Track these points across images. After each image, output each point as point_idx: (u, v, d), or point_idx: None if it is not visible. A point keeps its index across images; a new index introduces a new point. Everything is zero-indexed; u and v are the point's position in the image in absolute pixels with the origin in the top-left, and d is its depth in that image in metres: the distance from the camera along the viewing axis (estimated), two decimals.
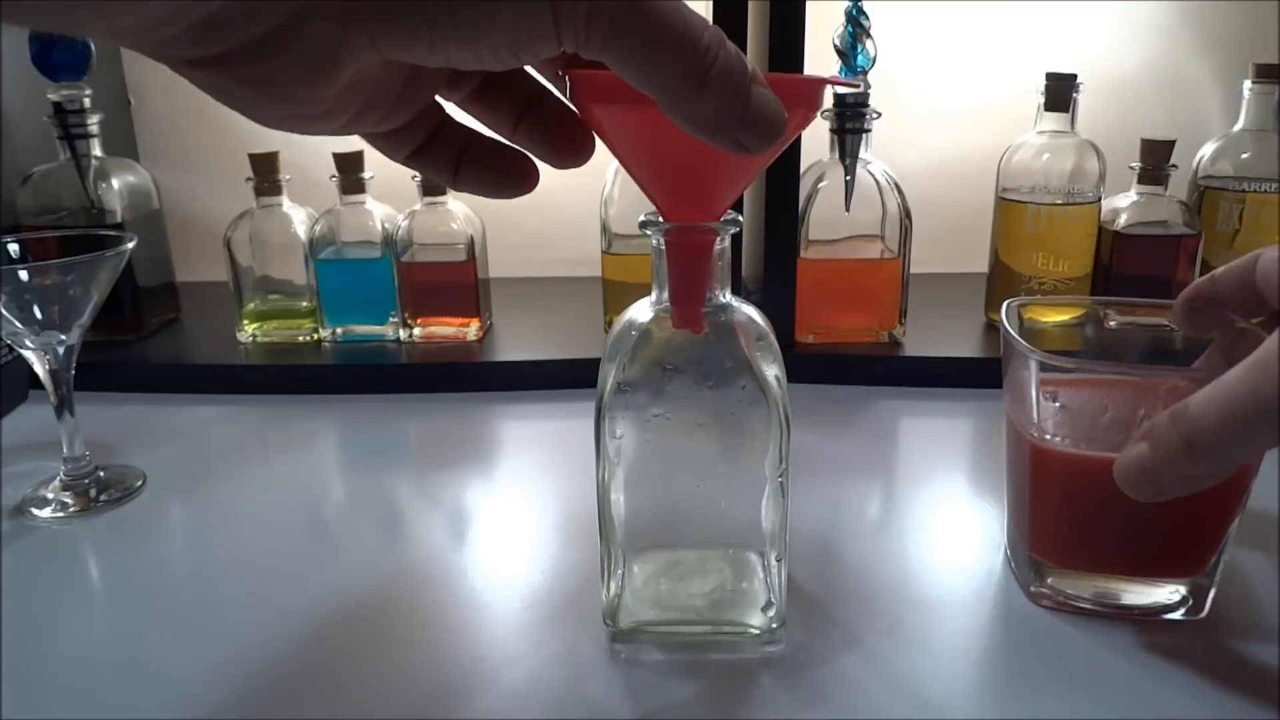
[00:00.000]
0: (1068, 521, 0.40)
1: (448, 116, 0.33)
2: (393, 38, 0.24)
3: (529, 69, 0.32)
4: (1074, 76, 0.68)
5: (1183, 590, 0.40)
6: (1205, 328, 0.40)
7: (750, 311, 0.37)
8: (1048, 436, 0.39)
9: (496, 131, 0.33)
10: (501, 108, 0.33)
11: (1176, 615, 0.40)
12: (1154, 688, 0.36)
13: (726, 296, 0.36)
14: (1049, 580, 0.41)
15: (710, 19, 0.65)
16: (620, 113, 0.30)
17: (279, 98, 0.26)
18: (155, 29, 0.23)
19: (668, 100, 0.25)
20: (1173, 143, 0.67)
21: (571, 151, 0.33)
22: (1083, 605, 0.40)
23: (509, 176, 0.33)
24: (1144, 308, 0.46)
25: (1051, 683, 0.37)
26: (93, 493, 0.52)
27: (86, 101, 0.69)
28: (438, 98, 0.32)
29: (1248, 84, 0.69)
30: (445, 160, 0.33)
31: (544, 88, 0.33)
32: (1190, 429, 0.31)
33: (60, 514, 0.51)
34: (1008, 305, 0.42)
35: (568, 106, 0.32)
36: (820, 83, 0.32)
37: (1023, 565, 0.42)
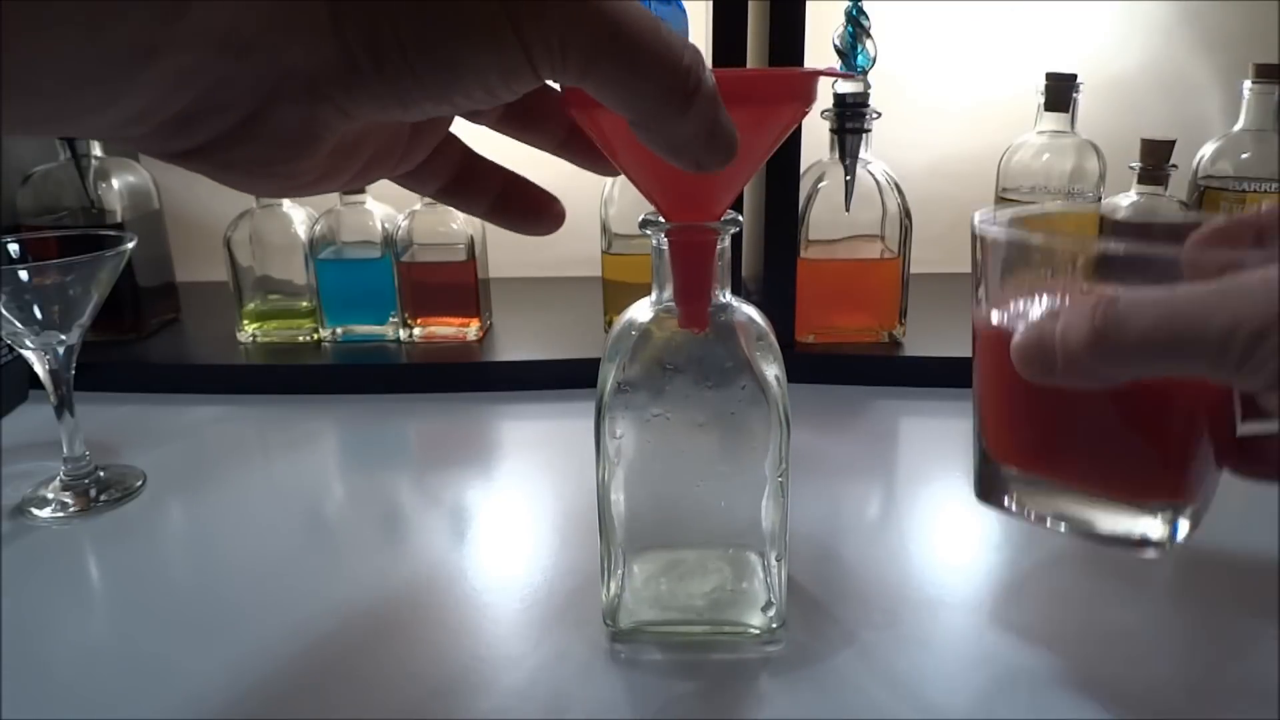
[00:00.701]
0: (1021, 414, 0.37)
1: (474, 154, 0.34)
2: (362, 107, 0.24)
3: None
4: (1074, 76, 0.68)
5: (1155, 520, 0.35)
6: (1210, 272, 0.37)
7: (750, 311, 0.37)
8: (993, 317, 0.36)
9: (544, 149, 0.34)
10: (548, 127, 0.33)
11: (1149, 552, 0.36)
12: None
13: (726, 296, 0.36)
14: (1014, 492, 0.38)
15: (710, 19, 0.65)
16: (614, 118, 0.29)
17: (266, 176, 0.26)
18: (125, 128, 0.23)
19: (647, 123, 0.25)
20: (1173, 143, 0.67)
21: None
22: (1050, 514, 0.37)
23: (539, 220, 0.34)
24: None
25: (1051, 682, 0.37)
26: (93, 493, 0.52)
27: None
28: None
29: (1248, 84, 0.69)
30: (478, 196, 0.34)
31: None
32: (1107, 323, 0.28)
33: (60, 514, 0.51)
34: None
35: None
36: (814, 75, 0.32)
37: (986, 473, 0.39)
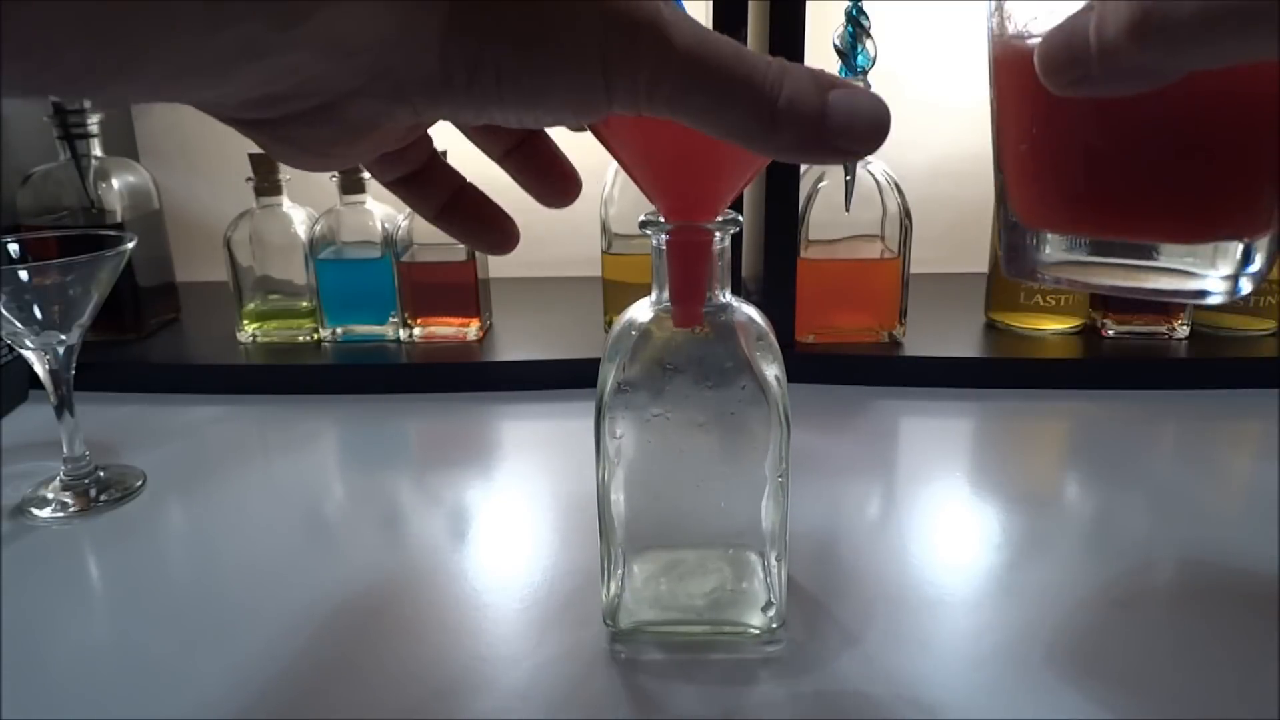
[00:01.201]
0: (1054, 160, 0.31)
1: (438, 157, 0.34)
2: (439, 112, 0.25)
3: None
4: None
5: (1219, 265, 0.29)
6: None
7: (750, 311, 0.37)
8: (1010, 25, 0.30)
9: (489, 156, 0.34)
10: (492, 137, 0.33)
11: (1215, 296, 0.29)
12: None
13: (726, 296, 0.36)
14: (1051, 258, 0.32)
15: (710, 19, 0.65)
16: (619, 120, 0.30)
17: (319, 155, 0.26)
18: (209, 105, 0.24)
19: (747, 144, 0.25)
20: None
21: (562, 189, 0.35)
22: (1094, 280, 0.31)
23: (489, 234, 0.34)
24: None
25: (1051, 682, 0.37)
26: (93, 493, 0.52)
27: (86, 101, 0.69)
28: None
29: None
30: (430, 196, 0.34)
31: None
32: (1151, 5, 0.23)
33: (60, 514, 0.51)
34: None
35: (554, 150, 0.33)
36: None
37: (1015, 243, 0.33)
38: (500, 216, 0.35)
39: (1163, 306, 0.69)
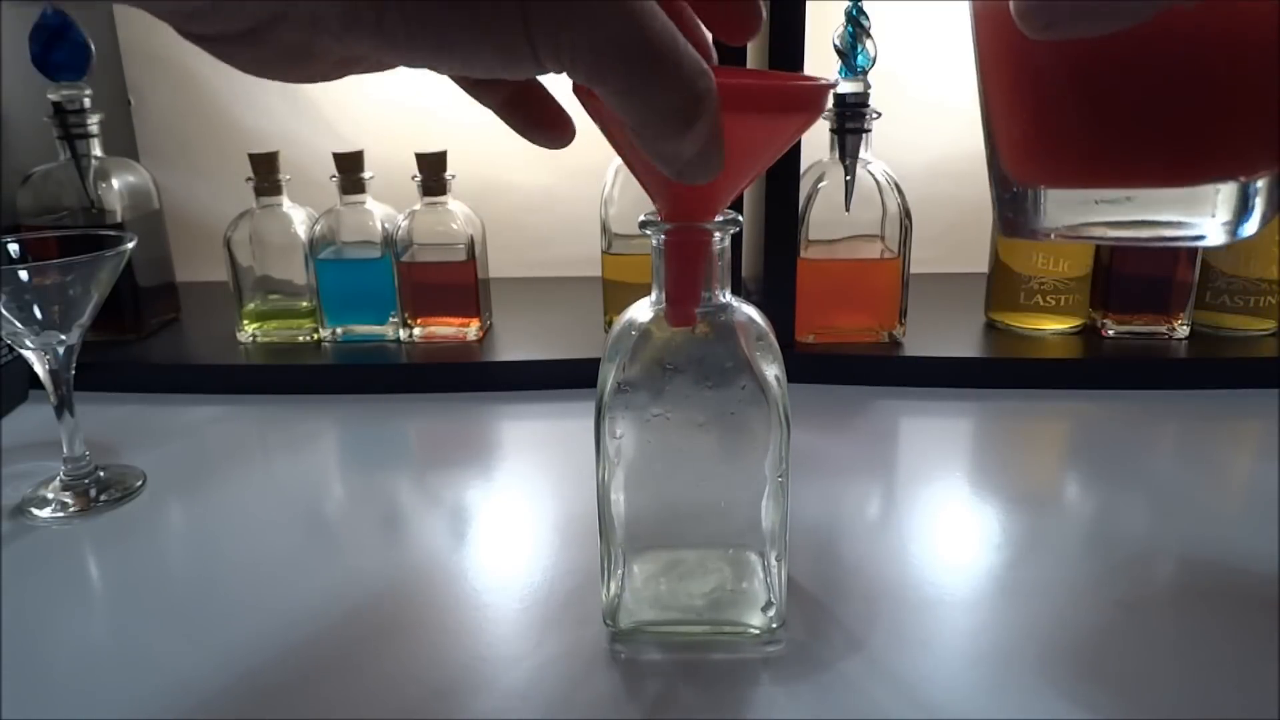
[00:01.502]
0: (1043, 113, 0.30)
1: None
2: (359, 45, 0.25)
3: None
4: None
5: (1218, 209, 0.28)
6: None
7: (750, 311, 0.37)
8: None
9: (486, 105, 0.33)
10: (489, 86, 0.33)
11: (1214, 239, 0.28)
12: None
13: (726, 296, 0.36)
14: (1048, 214, 0.31)
15: None
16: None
17: (270, 74, 0.28)
18: (154, 7, 0.26)
19: (646, 135, 0.25)
20: None
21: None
22: (1092, 232, 0.30)
23: (547, 128, 0.33)
24: None
25: (1050, 683, 0.37)
26: (93, 493, 0.52)
27: (86, 101, 0.69)
28: None
29: None
30: (497, 92, 0.33)
31: None
32: None
33: (60, 514, 0.51)
34: None
35: None
36: (825, 89, 0.32)
37: (1010, 203, 0.32)
38: (560, 115, 0.34)
39: (1163, 306, 0.69)
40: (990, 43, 0.31)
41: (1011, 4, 0.25)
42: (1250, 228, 0.28)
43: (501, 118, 0.33)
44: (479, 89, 0.33)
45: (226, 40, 0.26)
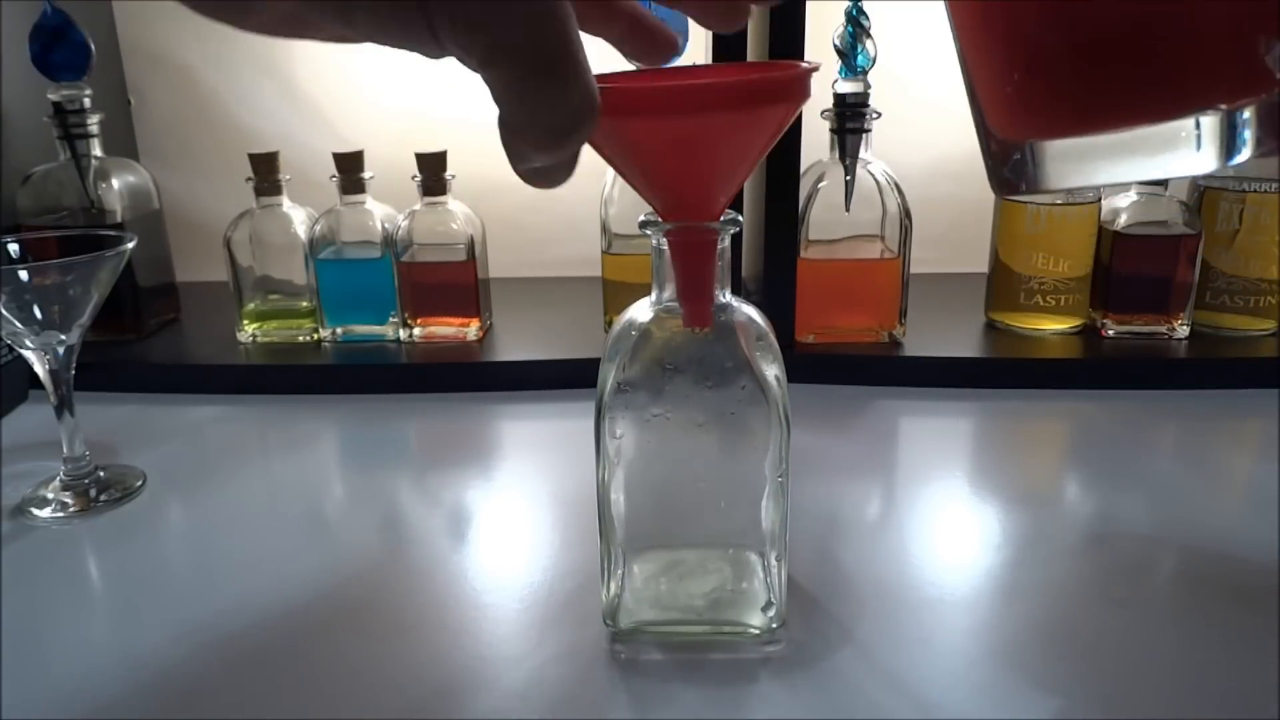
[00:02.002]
0: (1018, 63, 0.30)
1: None
2: (290, 4, 0.25)
3: None
4: None
5: (1210, 136, 0.28)
6: None
7: (750, 311, 0.37)
8: None
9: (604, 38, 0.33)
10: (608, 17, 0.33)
11: (1209, 167, 0.28)
12: None
13: (726, 296, 0.36)
14: (1039, 166, 0.31)
15: None
16: (609, 124, 0.29)
17: (214, 18, 0.27)
18: None
19: (512, 136, 0.25)
20: None
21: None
22: (1086, 180, 0.30)
23: (648, 43, 0.33)
24: None
25: (1050, 682, 0.37)
26: (93, 493, 0.52)
27: (86, 101, 0.69)
28: None
29: None
30: (615, 21, 0.33)
31: None
32: None
33: (60, 514, 0.51)
34: None
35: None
36: (804, 75, 0.32)
37: (1000, 160, 0.32)
38: (657, 28, 0.33)
39: (1163, 306, 0.69)
40: (963, 3, 0.31)
41: None
42: (1244, 156, 0.28)
43: (622, 48, 0.33)
44: (607, 16, 0.33)
45: None
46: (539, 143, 0.25)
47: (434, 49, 0.24)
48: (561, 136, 0.24)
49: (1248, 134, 0.28)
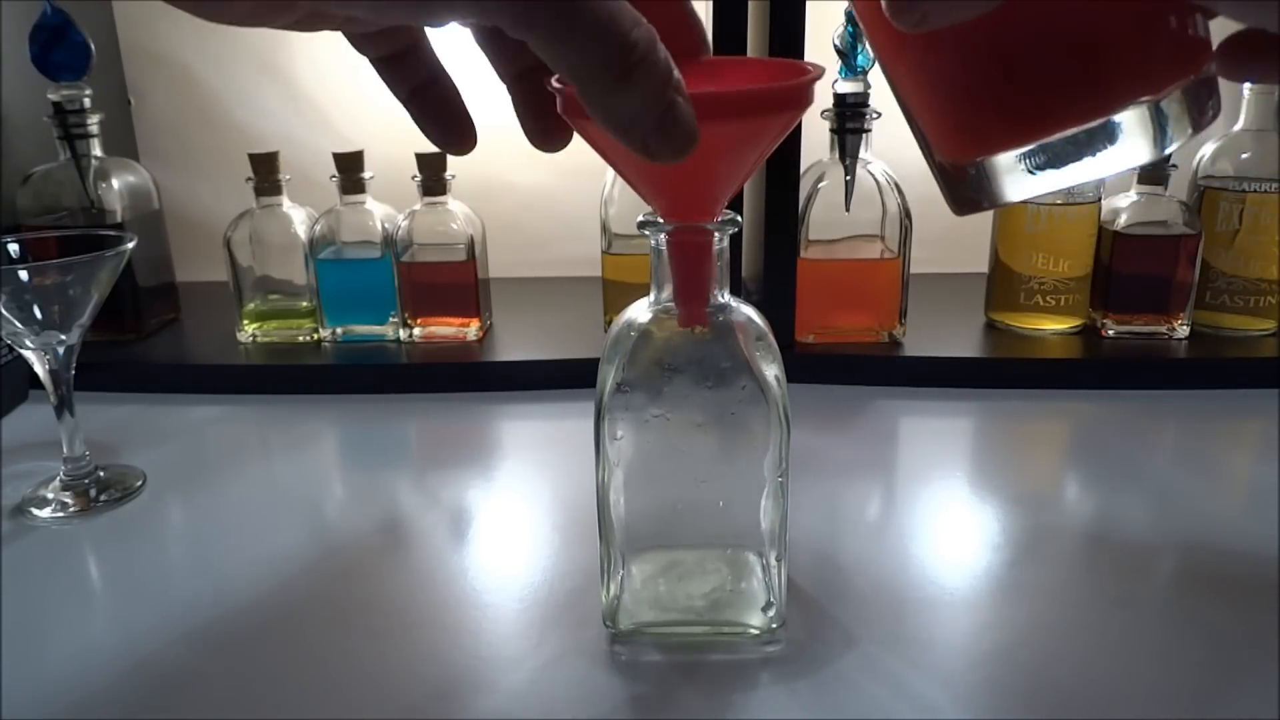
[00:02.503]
0: (957, 93, 0.31)
1: (424, 46, 0.33)
2: None
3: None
4: None
5: (1144, 128, 0.29)
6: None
7: (750, 311, 0.37)
8: None
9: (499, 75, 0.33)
10: (508, 54, 0.33)
11: (1147, 157, 0.29)
12: None
13: (726, 296, 0.36)
14: (990, 181, 0.31)
15: (711, 19, 0.65)
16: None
17: (206, 15, 0.27)
18: None
19: (586, 90, 0.24)
20: None
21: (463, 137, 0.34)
22: (1035, 188, 0.31)
23: (450, 129, 0.34)
24: None
25: (1048, 681, 0.37)
26: (93, 493, 0.52)
27: (86, 101, 0.69)
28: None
29: (1247, 84, 0.69)
30: (405, 81, 0.33)
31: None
32: None
33: (60, 514, 0.51)
34: None
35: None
36: (808, 84, 0.32)
37: (953, 183, 0.33)
38: (465, 117, 0.34)
39: (1163, 306, 0.69)
40: (884, 42, 0.32)
41: (884, 4, 0.26)
42: (1181, 139, 0.29)
43: (410, 108, 0.33)
44: (496, 56, 0.33)
45: None
46: (613, 83, 0.24)
47: (443, 12, 0.24)
48: (628, 64, 0.24)
49: (1173, 120, 0.29)
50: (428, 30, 0.33)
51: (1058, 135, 0.29)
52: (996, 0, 0.25)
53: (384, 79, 0.34)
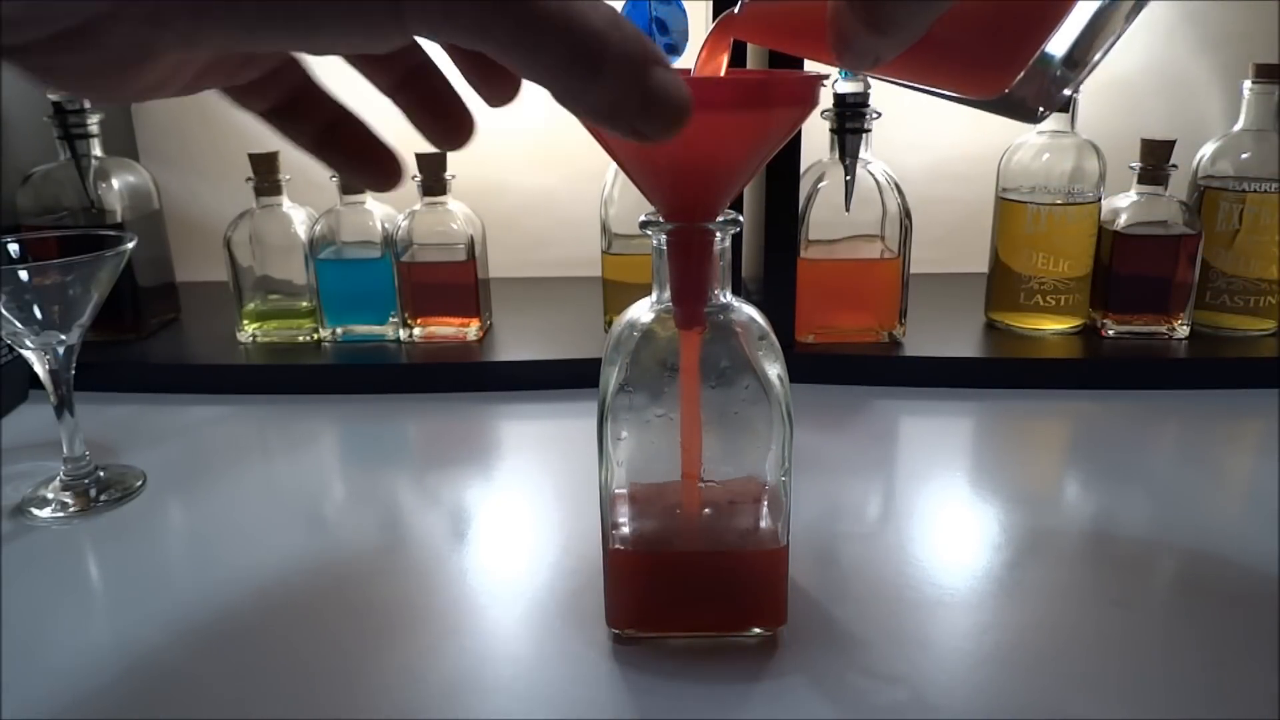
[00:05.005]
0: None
1: (313, 86, 0.32)
2: (210, 40, 0.23)
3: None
4: None
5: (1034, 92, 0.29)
6: None
7: (751, 311, 0.37)
8: None
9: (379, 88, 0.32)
10: (384, 64, 0.31)
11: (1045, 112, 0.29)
12: None
13: (727, 296, 0.36)
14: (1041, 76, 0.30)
15: (710, 19, 0.65)
16: None
17: (85, 88, 0.25)
18: None
19: (559, 91, 0.23)
20: (1173, 143, 0.67)
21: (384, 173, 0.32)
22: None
23: (370, 167, 0.32)
24: None
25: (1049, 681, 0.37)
26: (93, 493, 0.52)
27: (86, 101, 0.69)
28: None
29: (1248, 84, 0.69)
30: (306, 128, 0.31)
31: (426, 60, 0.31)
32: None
33: (60, 514, 0.51)
34: None
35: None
36: (817, 80, 0.32)
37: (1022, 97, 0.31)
38: (382, 150, 0.32)
39: (1163, 306, 0.69)
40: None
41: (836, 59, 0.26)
42: (1064, 87, 0.29)
43: (320, 155, 0.32)
44: (371, 68, 0.31)
45: (39, 50, 0.22)
46: (584, 76, 0.23)
47: (395, 35, 0.22)
48: (597, 54, 0.22)
49: (1055, 64, 0.29)
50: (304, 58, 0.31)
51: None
52: (935, 13, 0.25)
53: (283, 133, 0.32)
